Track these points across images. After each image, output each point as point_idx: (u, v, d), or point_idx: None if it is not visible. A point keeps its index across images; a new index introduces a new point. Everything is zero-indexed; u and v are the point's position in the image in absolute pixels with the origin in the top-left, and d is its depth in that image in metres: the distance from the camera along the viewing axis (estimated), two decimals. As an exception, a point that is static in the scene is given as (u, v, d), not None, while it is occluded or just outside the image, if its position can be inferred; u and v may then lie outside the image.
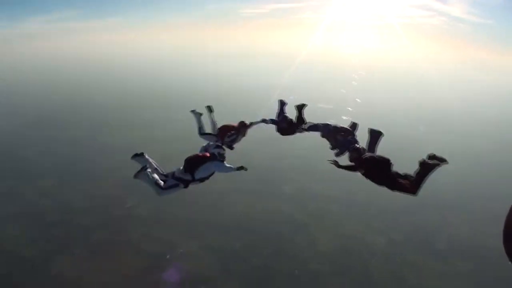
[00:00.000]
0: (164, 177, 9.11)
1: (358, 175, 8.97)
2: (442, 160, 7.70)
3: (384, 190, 8.32)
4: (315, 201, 38.25)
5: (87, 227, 32.49)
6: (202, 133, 11.11)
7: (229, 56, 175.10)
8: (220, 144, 9.99)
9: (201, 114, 11.26)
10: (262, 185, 41.04)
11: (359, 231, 33.87)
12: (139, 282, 27.13)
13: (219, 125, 11.20)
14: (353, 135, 10.68)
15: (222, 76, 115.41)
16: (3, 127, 59.37)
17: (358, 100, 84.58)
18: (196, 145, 10.11)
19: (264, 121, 11.75)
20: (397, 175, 8.21)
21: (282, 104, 12.27)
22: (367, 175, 8.59)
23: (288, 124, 11.72)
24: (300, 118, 11.80)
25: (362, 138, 10.32)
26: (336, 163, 9.20)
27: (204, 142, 10.23)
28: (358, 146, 9.63)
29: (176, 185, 9.05)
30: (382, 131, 9.95)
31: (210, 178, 9.46)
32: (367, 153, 9.21)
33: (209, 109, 11.40)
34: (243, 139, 11.36)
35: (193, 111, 11.33)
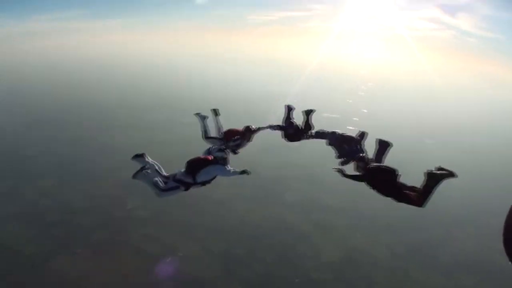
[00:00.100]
0: (165, 178, 9.00)
1: (363, 185, 8.77)
2: (450, 173, 7.48)
3: (389, 201, 8.12)
4: (318, 211, 37.97)
5: (87, 227, 32.44)
6: (206, 136, 10.94)
7: (235, 62, 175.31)
8: (223, 148, 9.85)
9: (206, 118, 11.12)
10: (265, 192, 40.88)
11: (363, 242, 33.55)
12: (139, 282, 27.04)
13: (224, 129, 11.07)
14: (361, 144, 10.51)
15: (227, 82, 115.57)
16: (4, 126, 59.47)
17: (365, 110, 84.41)
18: (198, 148, 9.97)
19: (270, 127, 11.57)
20: (404, 186, 8.01)
21: (289, 109, 12.08)
22: (372, 185, 8.37)
23: (295, 130, 11.53)
24: (308, 124, 11.62)
25: (368, 150, 10.17)
26: (341, 171, 9.01)
27: (208, 146, 10.10)
28: (364, 155, 9.46)
29: (176, 187, 8.93)
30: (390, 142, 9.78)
31: (213, 182, 9.34)
32: (373, 163, 9.03)
33: (215, 112, 11.21)
34: (248, 144, 11.21)
35: (197, 114, 11.18)
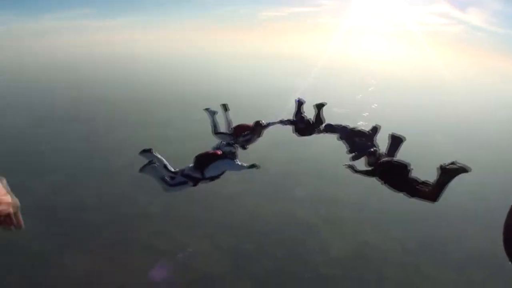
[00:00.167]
0: (173, 174, 8.98)
1: (373, 180, 8.70)
2: (464, 167, 7.35)
3: (399, 196, 8.06)
4: (328, 206, 37.85)
5: (98, 224, 32.72)
6: (216, 132, 10.92)
7: (245, 58, 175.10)
8: (232, 142, 9.81)
9: (215, 113, 11.09)
10: (274, 187, 40.89)
11: (373, 237, 33.39)
12: (149, 279, 27.19)
13: (234, 124, 11.03)
14: (372, 139, 10.42)
15: (237, 78, 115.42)
16: (15, 123, 60.16)
17: (375, 106, 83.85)
18: (210, 145, 9.93)
19: (281, 122, 11.48)
20: (416, 181, 7.91)
21: (300, 103, 11.98)
22: (384, 180, 8.29)
23: (306, 124, 11.44)
24: (319, 117, 11.52)
25: (379, 145, 10.10)
26: (352, 168, 8.93)
27: (217, 142, 10.08)
28: (375, 149, 9.35)
29: (184, 183, 8.92)
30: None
31: (222, 177, 9.32)
32: (384, 157, 8.94)
33: (225, 107, 11.16)
34: (258, 139, 11.17)
35: (207, 109, 11.16)
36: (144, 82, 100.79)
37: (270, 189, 40.39)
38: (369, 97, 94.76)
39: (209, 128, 10.95)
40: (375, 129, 10.64)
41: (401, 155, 9.41)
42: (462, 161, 7.44)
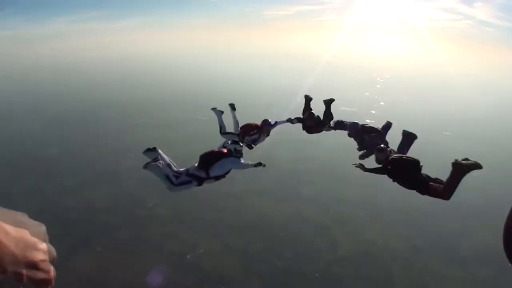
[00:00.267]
0: (178, 173, 8.97)
1: (382, 178, 8.61)
2: (477, 164, 7.26)
3: (407, 194, 8.02)
4: (336, 204, 37.66)
5: (109, 225, 32.89)
6: (223, 132, 10.92)
7: (252, 57, 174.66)
8: (237, 140, 9.79)
9: (222, 112, 11.10)
10: (282, 187, 40.77)
11: (382, 236, 33.18)
12: (159, 280, 27.26)
13: (241, 124, 11.02)
14: (383, 135, 10.31)
15: (243, 77, 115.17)
16: (26, 127, 60.46)
17: (382, 103, 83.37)
18: (217, 145, 9.96)
19: (289, 120, 11.38)
20: (428, 178, 7.83)
21: (308, 99, 11.92)
22: (394, 177, 8.19)
23: (315, 121, 11.34)
24: (328, 113, 11.46)
25: (391, 143, 10.04)
26: (362, 167, 8.82)
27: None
28: (384, 146, 9.24)
29: (189, 182, 8.86)
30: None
31: (228, 177, 9.28)
32: (394, 154, 8.84)
33: (232, 107, 11.16)
34: (266, 138, 11.16)
35: (214, 109, 11.18)
36: (151, 83, 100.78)
37: (277, 188, 40.30)
38: (376, 94, 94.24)
39: (216, 128, 10.98)
40: (388, 126, 10.54)
41: (410, 152, 9.38)
42: (469, 157, 7.41)
